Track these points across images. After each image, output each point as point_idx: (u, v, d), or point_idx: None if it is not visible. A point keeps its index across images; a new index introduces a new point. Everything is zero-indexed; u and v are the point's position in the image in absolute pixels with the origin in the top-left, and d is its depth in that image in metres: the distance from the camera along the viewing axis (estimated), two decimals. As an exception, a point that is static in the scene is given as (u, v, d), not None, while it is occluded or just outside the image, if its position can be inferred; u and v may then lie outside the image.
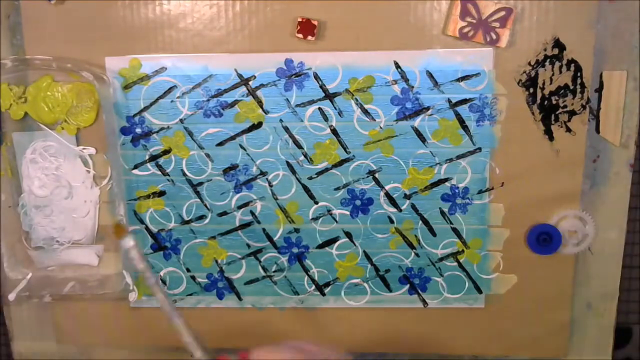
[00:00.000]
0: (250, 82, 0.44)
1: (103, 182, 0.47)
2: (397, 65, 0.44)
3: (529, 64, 0.43)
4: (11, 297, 0.47)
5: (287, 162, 0.46)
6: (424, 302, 0.48)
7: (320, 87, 0.44)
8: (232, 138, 0.45)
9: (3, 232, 0.46)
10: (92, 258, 0.48)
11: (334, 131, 0.45)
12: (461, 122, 0.44)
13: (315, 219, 0.47)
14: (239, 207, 0.47)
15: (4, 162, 0.47)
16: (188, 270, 0.48)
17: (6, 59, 0.44)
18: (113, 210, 0.47)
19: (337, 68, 0.44)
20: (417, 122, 0.45)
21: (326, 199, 0.46)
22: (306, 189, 0.46)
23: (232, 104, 0.45)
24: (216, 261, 0.48)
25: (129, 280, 0.47)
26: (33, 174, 0.47)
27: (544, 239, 0.46)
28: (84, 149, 0.46)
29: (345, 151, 0.45)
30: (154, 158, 0.46)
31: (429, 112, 0.44)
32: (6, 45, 0.45)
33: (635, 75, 0.44)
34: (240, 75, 0.44)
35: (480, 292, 0.48)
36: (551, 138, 0.44)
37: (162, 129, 0.45)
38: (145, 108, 0.45)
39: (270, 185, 0.46)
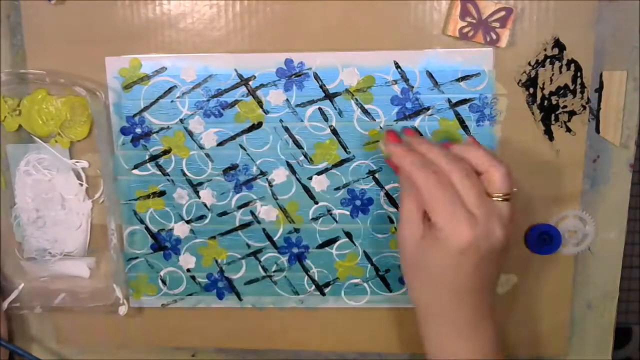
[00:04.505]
0: (250, 82, 0.44)
1: (95, 195, 0.47)
2: (397, 65, 0.44)
3: (529, 64, 0.43)
4: (2, 308, 0.47)
5: (287, 162, 0.46)
6: (424, 302, 0.48)
7: (320, 87, 0.44)
8: (232, 138, 0.45)
9: None
10: (84, 270, 0.48)
11: (334, 131, 0.45)
12: (461, 122, 0.44)
13: (315, 219, 0.47)
14: (239, 207, 0.47)
15: None
16: (188, 270, 0.48)
17: None
18: (105, 222, 0.47)
19: (337, 68, 0.44)
20: (417, 122, 0.44)
21: (326, 199, 0.46)
22: (306, 189, 0.46)
23: (232, 104, 0.45)
24: (216, 261, 0.48)
25: (119, 294, 0.47)
26: (27, 185, 0.47)
27: (544, 239, 0.46)
28: (76, 162, 0.46)
29: (345, 151, 0.45)
30: (154, 158, 0.46)
31: (429, 112, 0.44)
32: (6, 45, 0.45)
33: (635, 75, 0.44)
34: (240, 75, 0.44)
35: (480, 292, 0.48)
36: (551, 138, 0.44)
37: (162, 129, 0.45)
38: (145, 108, 0.45)
39: (271, 186, 0.46)
